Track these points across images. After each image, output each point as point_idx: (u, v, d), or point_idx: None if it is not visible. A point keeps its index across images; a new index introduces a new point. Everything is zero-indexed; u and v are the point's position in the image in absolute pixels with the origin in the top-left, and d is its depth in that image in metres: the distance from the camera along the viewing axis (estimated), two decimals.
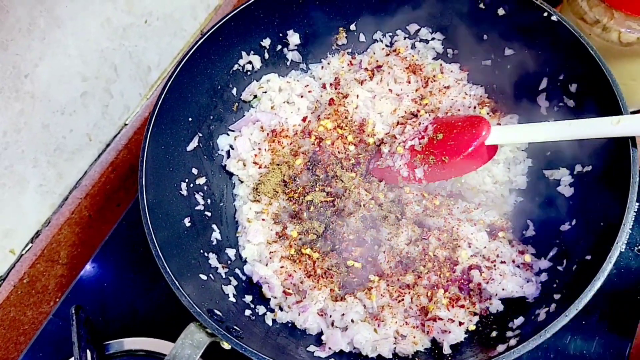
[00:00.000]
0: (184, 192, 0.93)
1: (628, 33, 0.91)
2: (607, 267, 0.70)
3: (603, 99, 0.81)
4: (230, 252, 0.97)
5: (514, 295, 0.85)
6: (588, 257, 0.77)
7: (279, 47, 1.07)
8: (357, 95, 1.05)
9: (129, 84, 1.13)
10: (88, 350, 0.90)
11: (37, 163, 1.00)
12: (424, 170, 0.94)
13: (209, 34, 0.95)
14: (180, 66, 0.92)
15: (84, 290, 1.07)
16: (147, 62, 1.16)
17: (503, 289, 0.85)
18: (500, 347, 0.73)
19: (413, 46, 1.09)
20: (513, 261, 0.89)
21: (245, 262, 0.97)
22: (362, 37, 1.10)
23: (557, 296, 0.77)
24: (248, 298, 0.91)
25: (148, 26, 1.12)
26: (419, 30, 1.08)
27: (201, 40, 0.94)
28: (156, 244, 0.79)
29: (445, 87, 1.04)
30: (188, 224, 0.91)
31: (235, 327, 0.77)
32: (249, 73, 1.06)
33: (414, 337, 0.83)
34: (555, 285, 0.81)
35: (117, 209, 1.19)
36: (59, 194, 1.09)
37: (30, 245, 1.06)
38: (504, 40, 0.98)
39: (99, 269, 1.09)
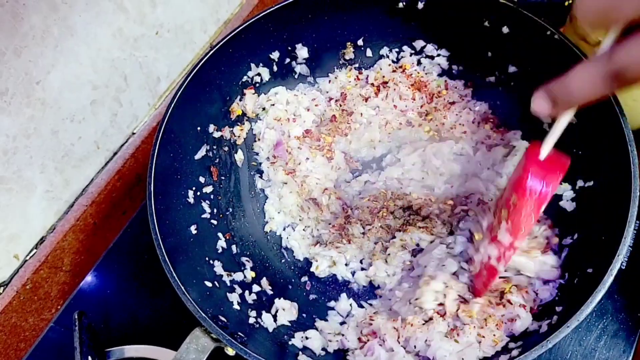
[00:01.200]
0: (191, 200, 0.94)
1: None
2: (608, 279, 0.70)
3: (604, 115, 0.82)
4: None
5: None
6: (589, 271, 0.77)
7: (288, 60, 1.09)
8: (361, 114, 1.07)
9: (138, 93, 1.15)
10: (89, 357, 0.90)
11: (45, 169, 1.01)
12: (507, 229, 0.77)
13: (219, 45, 0.97)
14: (191, 75, 0.93)
15: (86, 298, 1.07)
16: (156, 73, 1.17)
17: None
18: (503, 358, 0.73)
19: (419, 62, 1.11)
20: None
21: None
22: (369, 52, 1.12)
23: (559, 308, 0.77)
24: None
25: (159, 37, 1.14)
26: (424, 46, 1.10)
27: (212, 51, 0.96)
28: (163, 250, 0.80)
29: (450, 103, 1.06)
30: (194, 232, 0.92)
31: (239, 333, 0.78)
32: (257, 85, 1.08)
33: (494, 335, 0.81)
34: (557, 298, 0.82)
35: (123, 217, 1.20)
36: (65, 201, 1.09)
37: (34, 251, 1.06)
38: (508, 58, 1.00)
39: (102, 276, 1.09)
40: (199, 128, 0.99)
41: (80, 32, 0.96)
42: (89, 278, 1.08)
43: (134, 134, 1.19)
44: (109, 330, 1.02)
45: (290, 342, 0.88)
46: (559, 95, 0.63)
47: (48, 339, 1.03)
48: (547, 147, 0.72)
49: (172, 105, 0.91)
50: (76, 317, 0.91)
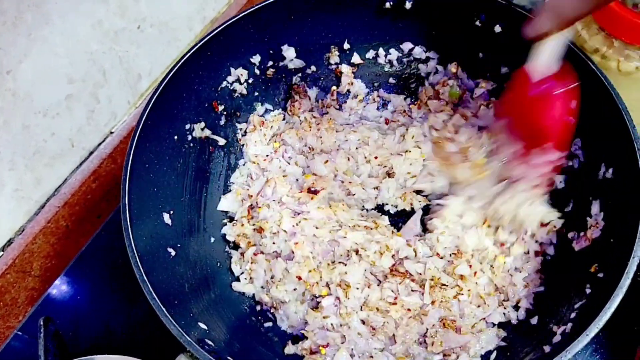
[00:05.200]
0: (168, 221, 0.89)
1: (626, 62, 0.90)
2: (625, 282, 0.67)
3: (606, 113, 0.80)
4: None
5: None
6: (600, 275, 0.74)
7: (270, 63, 1.05)
8: None
9: (118, 90, 1.10)
10: None
11: (14, 166, 0.95)
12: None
13: (195, 48, 0.92)
14: (166, 80, 0.87)
15: (54, 304, 1.01)
16: (137, 70, 1.13)
17: None
18: None
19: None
20: None
21: None
22: (355, 57, 1.08)
23: (572, 315, 0.74)
24: None
25: (141, 32, 1.09)
26: (412, 49, 1.07)
27: (188, 55, 0.90)
28: (141, 269, 0.74)
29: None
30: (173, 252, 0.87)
31: (229, 358, 0.73)
32: (236, 91, 1.03)
33: None
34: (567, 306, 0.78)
35: (97, 220, 1.14)
36: (36, 201, 1.03)
37: (1, 253, 1.00)
38: (500, 58, 0.97)
39: (72, 282, 1.03)
40: (176, 137, 0.94)
41: (56, 21, 0.91)
42: (58, 283, 1.02)
43: (112, 133, 1.13)
44: (78, 339, 0.96)
45: None
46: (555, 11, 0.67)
47: (11, 348, 0.96)
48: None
49: (147, 111, 0.85)
50: (42, 323, 0.85)
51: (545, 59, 0.72)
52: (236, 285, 0.93)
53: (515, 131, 0.81)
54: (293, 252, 0.91)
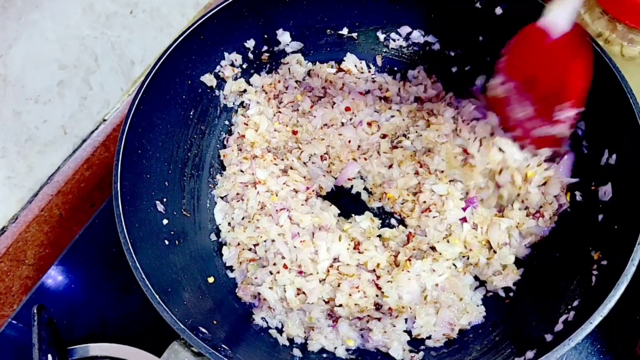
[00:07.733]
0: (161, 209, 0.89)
1: (630, 47, 0.88)
2: (631, 269, 0.66)
3: (611, 98, 0.78)
4: None
5: None
6: (604, 262, 0.73)
7: (265, 47, 1.03)
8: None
9: (110, 76, 1.08)
10: (49, 355, 0.83)
11: (6, 153, 0.94)
12: None
13: (189, 31, 0.90)
14: (159, 64, 0.86)
15: (49, 293, 1.00)
16: (130, 56, 1.11)
17: None
18: None
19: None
20: None
21: None
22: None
23: (575, 303, 0.73)
24: None
25: (133, 17, 1.07)
26: (410, 32, 1.05)
27: (181, 39, 0.89)
28: (134, 256, 0.73)
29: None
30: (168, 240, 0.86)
31: (223, 345, 0.72)
32: (230, 76, 1.02)
33: None
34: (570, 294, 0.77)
35: (90, 209, 1.13)
36: (29, 189, 1.02)
37: None
38: (501, 42, 0.95)
39: (67, 270, 1.02)
40: (169, 125, 0.92)
41: (46, 5, 0.90)
42: (52, 272, 1.01)
43: (104, 120, 1.12)
44: (72, 328, 0.95)
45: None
46: None
47: (6, 336, 0.96)
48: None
49: (139, 97, 0.84)
50: (35, 311, 0.84)
51: (565, 13, 0.69)
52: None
53: (526, 93, 0.78)
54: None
